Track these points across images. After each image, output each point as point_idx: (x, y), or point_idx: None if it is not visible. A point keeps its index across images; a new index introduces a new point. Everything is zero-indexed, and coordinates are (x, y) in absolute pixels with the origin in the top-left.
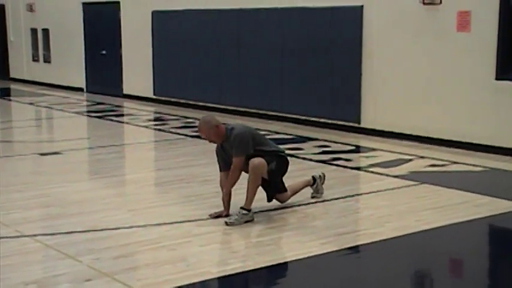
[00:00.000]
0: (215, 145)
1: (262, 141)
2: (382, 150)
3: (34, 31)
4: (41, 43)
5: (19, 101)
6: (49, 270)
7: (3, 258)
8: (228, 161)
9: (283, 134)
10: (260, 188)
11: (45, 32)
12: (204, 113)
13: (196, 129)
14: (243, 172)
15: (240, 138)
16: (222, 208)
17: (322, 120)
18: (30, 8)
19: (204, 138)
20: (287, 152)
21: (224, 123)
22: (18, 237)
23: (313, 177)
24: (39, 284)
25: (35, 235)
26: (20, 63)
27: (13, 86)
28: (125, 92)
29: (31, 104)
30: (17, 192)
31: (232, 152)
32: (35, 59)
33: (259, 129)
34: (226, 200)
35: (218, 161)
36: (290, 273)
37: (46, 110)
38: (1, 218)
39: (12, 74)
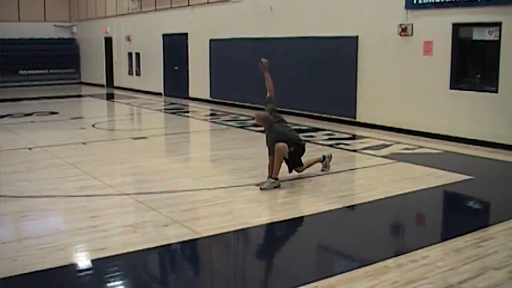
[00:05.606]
0: (253, 133)
1: (288, 134)
2: (371, 137)
3: (130, 54)
4: (134, 62)
5: (119, 102)
6: (139, 217)
7: (109, 208)
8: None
9: (301, 125)
10: (284, 163)
11: (137, 54)
12: (245, 110)
13: (239, 120)
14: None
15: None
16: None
17: (329, 116)
18: (128, 39)
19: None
20: (305, 138)
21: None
22: (118, 194)
23: (323, 156)
24: (133, 226)
25: (129, 194)
26: (121, 76)
27: (116, 91)
28: (190, 95)
29: (127, 103)
30: (118, 164)
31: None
32: (130, 73)
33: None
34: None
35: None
36: (306, 224)
37: (137, 108)
38: (107, 181)
39: (116, 83)
